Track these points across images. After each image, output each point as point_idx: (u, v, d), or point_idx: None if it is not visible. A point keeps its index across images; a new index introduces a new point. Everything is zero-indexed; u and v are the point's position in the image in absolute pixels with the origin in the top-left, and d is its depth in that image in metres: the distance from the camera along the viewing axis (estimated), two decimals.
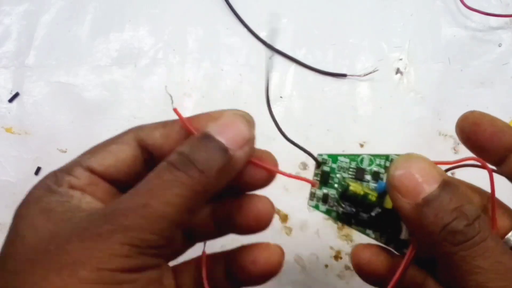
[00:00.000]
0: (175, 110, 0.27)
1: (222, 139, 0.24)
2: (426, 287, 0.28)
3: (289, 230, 0.42)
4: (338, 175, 0.28)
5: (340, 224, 0.28)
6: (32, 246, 0.22)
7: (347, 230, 0.42)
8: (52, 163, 0.45)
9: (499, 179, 0.26)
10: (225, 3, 0.50)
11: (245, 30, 0.49)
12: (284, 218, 0.43)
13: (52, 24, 0.50)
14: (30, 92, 0.47)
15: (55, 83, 0.48)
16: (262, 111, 0.47)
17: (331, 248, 0.42)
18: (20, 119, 0.47)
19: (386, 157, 0.27)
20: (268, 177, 0.27)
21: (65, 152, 0.46)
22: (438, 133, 0.46)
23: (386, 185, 0.24)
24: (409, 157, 0.24)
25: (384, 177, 0.27)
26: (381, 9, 0.50)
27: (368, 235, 0.28)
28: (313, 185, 0.28)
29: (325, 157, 0.28)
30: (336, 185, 0.28)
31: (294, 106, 0.47)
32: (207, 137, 0.24)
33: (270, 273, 0.27)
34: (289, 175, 0.27)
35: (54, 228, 0.22)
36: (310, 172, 0.45)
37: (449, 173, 0.26)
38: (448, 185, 0.23)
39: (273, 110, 0.47)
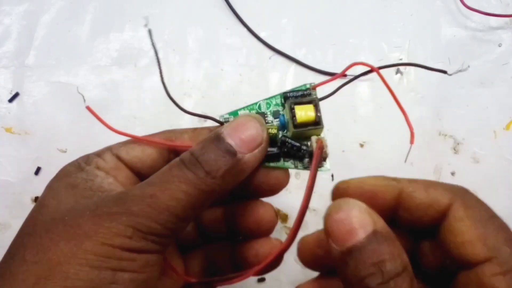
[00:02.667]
0: (88, 108, 0.30)
1: (232, 141, 0.25)
2: None
3: (289, 230, 0.42)
4: None
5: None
6: (51, 215, 0.24)
7: None
8: (52, 163, 0.45)
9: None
10: (225, 3, 0.50)
11: (245, 30, 0.49)
12: (284, 218, 0.43)
13: (52, 24, 0.50)
14: (30, 92, 0.48)
15: (55, 83, 0.48)
16: None
17: None
18: (20, 119, 0.47)
19: (280, 95, 0.29)
20: (279, 184, 0.29)
21: (65, 152, 0.46)
22: (438, 133, 0.46)
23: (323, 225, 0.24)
24: (346, 202, 0.23)
25: (283, 113, 0.29)
26: (381, 9, 0.50)
27: (287, 167, 0.29)
28: None
29: (227, 116, 0.29)
30: None
31: None
32: (217, 139, 0.25)
33: (270, 266, 0.28)
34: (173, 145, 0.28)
35: (74, 202, 0.25)
36: None
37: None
38: (378, 236, 0.22)
39: None
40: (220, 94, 0.48)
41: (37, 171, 0.45)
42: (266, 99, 0.29)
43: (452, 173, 0.45)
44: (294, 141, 0.28)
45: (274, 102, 0.29)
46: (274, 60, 0.49)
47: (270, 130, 0.28)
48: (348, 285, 0.22)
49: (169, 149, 0.29)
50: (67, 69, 0.48)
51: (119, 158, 0.28)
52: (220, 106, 0.47)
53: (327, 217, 0.23)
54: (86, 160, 0.27)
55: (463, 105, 0.47)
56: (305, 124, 0.27)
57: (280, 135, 0.28)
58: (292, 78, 0.48)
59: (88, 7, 0.50)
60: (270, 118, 0.29)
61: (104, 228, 0.22)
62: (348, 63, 0.49)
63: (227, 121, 0.29)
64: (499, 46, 0.49)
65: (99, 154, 0.28)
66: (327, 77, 0.48)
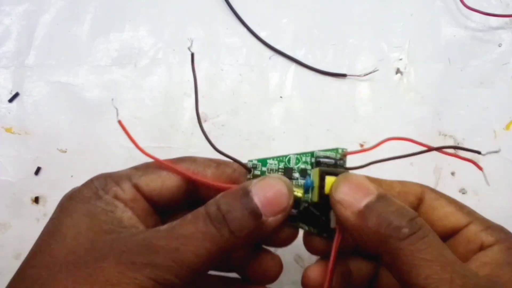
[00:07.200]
0: (119, 122, 0.29)
1: (259, 202, 0.25)
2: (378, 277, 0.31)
3: None
4: None
5: None
6: (71, 250, 0.24)
7: None
8: (52, 163, 0.45)
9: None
10: (225, 3, 0.50)
11: (245, 30, 0.49)
12: None
13: (52, 24, 0.50)
14: (30, 92, 0.47)
15: (55, 83, 0.48)
16: (262, 111, 0.47)
17: None
18: (20, 119, 0.47)
19: (311, 154, 0.29)
20: (289, 240, 0.29)
21: (65, 152, 0.46)
22: (438, 133, 0.46)
23: (330, 201, 0.26)
24: (347, 175, 0.26)
25: (310, 172, 0.29)
26: (381, 9, 0.50)
27: (302, 227, 0.29)
28: None
29: (255, 162, 0.29)
30: None
31: (294, 106, 0.47)
32: (245, 196, 0.25)
33: None
34: (214, 184, 0.28)
35: (95, 238, 0.25)
36: None
37: None
38: (384, 196, 0.25)
39: (273, 110, 0.48)
40: (220, 94, 0.48)
41: (37, 171, 0.45)
42: (297, 154, 0.29)
43: (452, 173, 0.45)
44: (316, 210, 0.28)
45: (303, 159, 0.29)
46: (274, 60, 0.49)
47: (295, 194, 0.28)
48: (374, 236, 0.24)
49: (189, 180, 0.29)
50: (67, 69, 0.48)
51: (137, 188, 0.28)
52: (220, 106, 0.47)
53: (336, 189, 0.25)
54: (104, 186, 0.27)
55: (463, 105, 0.47)
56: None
57: (303, 199, 0.28)
58: (292, 78, 0.48)
59: (88, 7, 0.50)
60: (296, 174, 0.29)
61: (128, 278, 0.23)
62: (348, 63, 0.50)
63: (254, 167, 0.29)
64: (499, 46, 0.49)
65: (117, 181, 0.27)
66: (330, 77, 0.48)
